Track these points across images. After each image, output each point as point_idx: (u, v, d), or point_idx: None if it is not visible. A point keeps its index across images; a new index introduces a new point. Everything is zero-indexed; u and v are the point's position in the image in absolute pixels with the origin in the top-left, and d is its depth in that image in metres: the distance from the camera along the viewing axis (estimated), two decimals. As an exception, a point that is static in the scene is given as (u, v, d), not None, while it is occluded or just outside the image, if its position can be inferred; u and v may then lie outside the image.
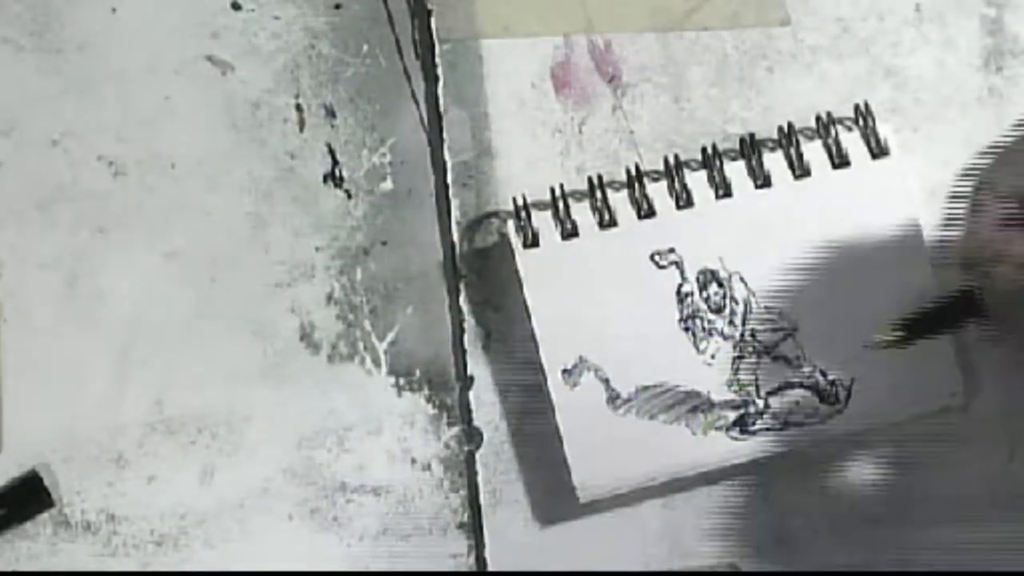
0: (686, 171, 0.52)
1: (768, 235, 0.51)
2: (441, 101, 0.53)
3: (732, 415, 0.51)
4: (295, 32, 0.54)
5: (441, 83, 0.54)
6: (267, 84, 0.54)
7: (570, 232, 0.52)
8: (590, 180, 0.52)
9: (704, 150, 0.52)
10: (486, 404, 0.49)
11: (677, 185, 0.52)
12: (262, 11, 0.54)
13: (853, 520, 0.52)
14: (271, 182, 0.53)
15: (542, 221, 0.52)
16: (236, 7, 0.54)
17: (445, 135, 0.53)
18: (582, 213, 0.52)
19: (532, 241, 0.51)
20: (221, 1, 0.54)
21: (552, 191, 0.52)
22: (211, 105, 0.53)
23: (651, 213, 0.52)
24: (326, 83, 0.54)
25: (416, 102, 0.54)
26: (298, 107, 0.54)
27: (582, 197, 0.52)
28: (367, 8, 0.54)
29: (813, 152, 0.52)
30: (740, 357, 0.51)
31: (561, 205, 0.52)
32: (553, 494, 0.51)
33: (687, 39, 0.54)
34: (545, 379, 0.51)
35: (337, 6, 0.54)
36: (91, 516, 0.51)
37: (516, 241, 0.51)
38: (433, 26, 0.54)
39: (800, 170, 0.52)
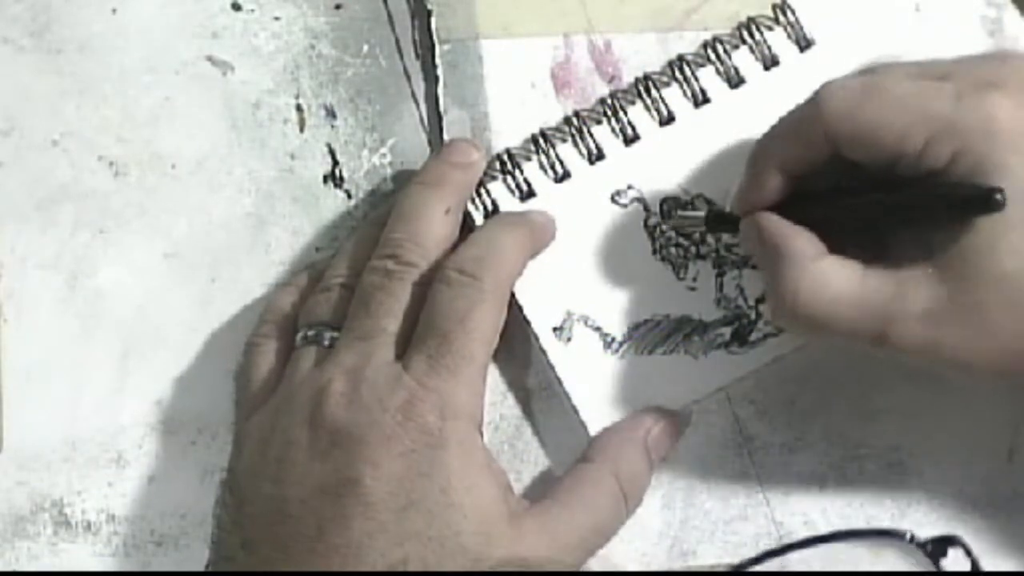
0: (626, 105, 0.52)
1: (719, 150, 0.52)
2: (441, 101, 0.53)
3: (727, 331, 0.51)
4: (295, 32, 0.54)
5: (441, 83, 0.54)
6: (267, 84, 0.54)
7: (527, 193, 0.52)
8: (534, 136, 0.52)
9: (637, 81, 0.52)
10: (486, 405, 0.49)
11: (621, 123, 0.52)
12: (262, 11, 0.54)
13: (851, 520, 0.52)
14: (271, 182, 0.53)
15: (497, 189, 0.52)
16: (236, 7, 0.54)
17: (445, 135, 0.53)
18: (534, 172, 0.52)
19: (492, 211, 0.51)
20: (221, 1, 0.54)
21: (499, 156, 0.52)
22: (211, 105, 0.53)
23: (601, 156, 0.52)
24: (326, 83, 0.54)
25: (416, 102, 0.54)
26: (298, 107, 0.54)
27: (530, 156, 0.52)
28: (367, 8, 0.54)
29: (742, 59, 0.52)
30: (721, 274, 0.51)
31: (512, 168, 0.52)
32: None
33: (687, 39, 0.54)
34: (538, 342, 0.51)
35: (337, 6, 0.54)
36: (91, 516, 0.51)
37: (476, 215, 0.51)
38: (433, 26, 0.54)
39: (735, 79, 0.52)
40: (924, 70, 0.46)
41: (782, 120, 0.47)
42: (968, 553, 0.49)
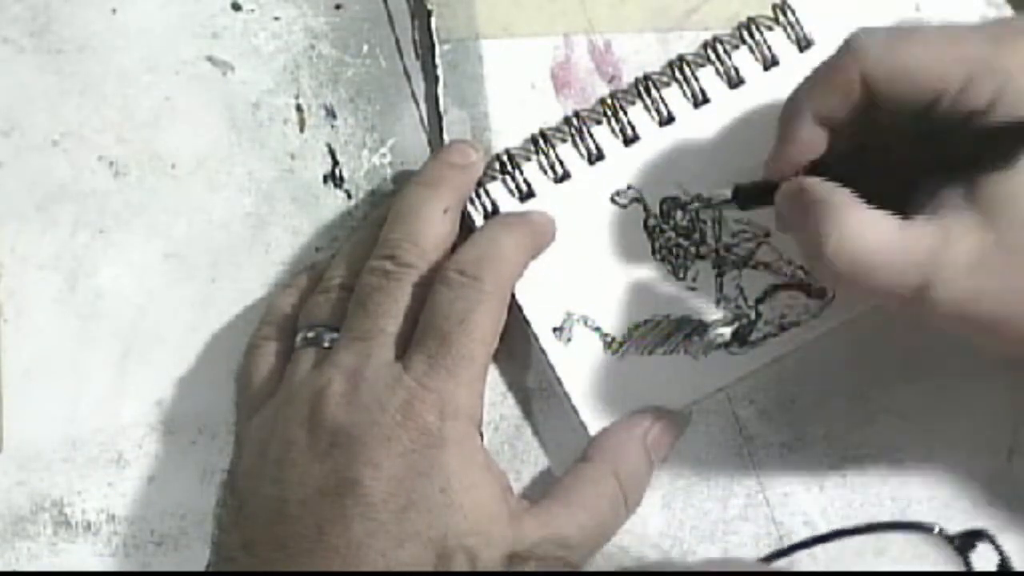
0: (626, 106, 0.52)
1: (719, 150, 0.52)
2: (441, 101, 0.53)
3: (728, 331, 0.51)
4: (295, 32, 0.54)
5: (441, 83, 0.54)
6: (267, 84, 0.54)
7: (527, 194, 0.52)
8: (534, 137, 0.52)
9: (637, 81, 0.52)
10: (486, 405, 0.49)
11: (620, 123, 0.52)
12: (262, 11, 0.54)
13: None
14: (271, 182, 0.53)
15: (496, 190, 0.52)
16: (236, 7, 0.54)
17: (445, 135, 0.53)
18: (534, 172, 0.52)
19: (492, 211, 0.51)
20: (221, 1, 0.54)
21: (499, 157, 0.52)
22: (211, 105, 0.53)
23: (600, 156, 0.52)
24: (326, 83, 0.54)
25: (416, 102, 0.54)
26: (298, 107, 0.54)
27: (530, 156, 0.52)
28: (367, 8, 0.54)
29: (742, 59, 0.52)
30: (721, 274, 0.51)
31: (512, 168, 0.52)
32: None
33: (687, 39, 0.54)
34: (538, 342, 0.51)
35: (337, 6, 0.54)
36: (91, 516, 0.51)
37: (476, 216, 0.51)
38: (433, 26, 0.54)
39: (734, 79, 0.52)
40: (953, 27, 0.45)
41: (815, 70, 0.45)
42: (997, 547, 0.49)
